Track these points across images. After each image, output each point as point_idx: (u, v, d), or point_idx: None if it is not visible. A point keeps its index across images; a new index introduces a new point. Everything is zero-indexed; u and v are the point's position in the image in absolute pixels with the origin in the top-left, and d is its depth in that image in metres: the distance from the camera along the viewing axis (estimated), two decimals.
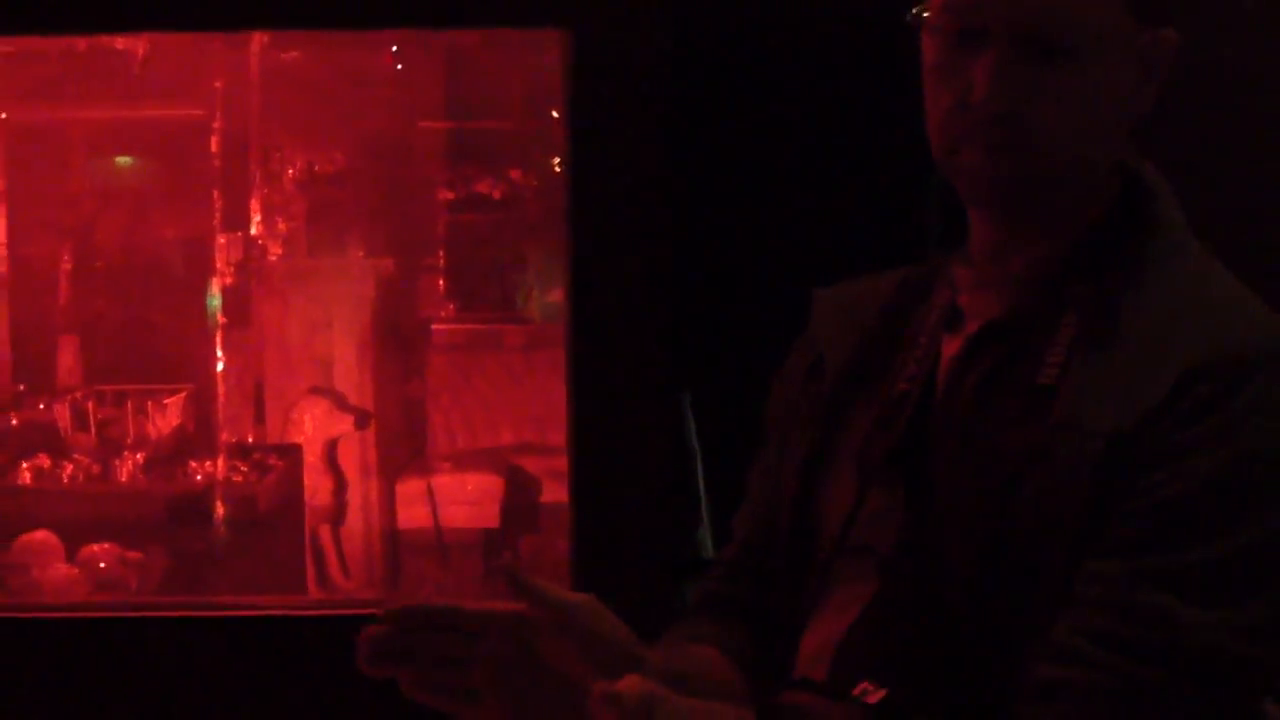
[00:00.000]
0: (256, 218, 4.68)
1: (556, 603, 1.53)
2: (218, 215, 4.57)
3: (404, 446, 4.83)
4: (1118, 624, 1.50)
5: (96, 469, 4.55)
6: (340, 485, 4.64)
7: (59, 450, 4.58)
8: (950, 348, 1.73)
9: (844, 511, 1.75)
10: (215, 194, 4.56)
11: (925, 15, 1.69)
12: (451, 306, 4.83)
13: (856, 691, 1.63)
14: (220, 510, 4.43)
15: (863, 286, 1.90)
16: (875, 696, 1.61)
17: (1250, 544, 1.52)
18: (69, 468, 4.54)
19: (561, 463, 4.11)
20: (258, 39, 4.44)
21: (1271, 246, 3.27)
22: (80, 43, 4.31)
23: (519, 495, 4.67)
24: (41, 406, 4.65)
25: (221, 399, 4.59)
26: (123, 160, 4.86)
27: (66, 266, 4.72)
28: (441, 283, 4.83)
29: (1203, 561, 1.51)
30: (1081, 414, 1.57)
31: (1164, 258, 1.67)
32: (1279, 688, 1.60)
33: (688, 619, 1.91)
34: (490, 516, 4.63)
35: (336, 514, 4.61)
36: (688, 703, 1.49)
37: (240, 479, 4.50)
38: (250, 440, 4.65)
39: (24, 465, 4.53)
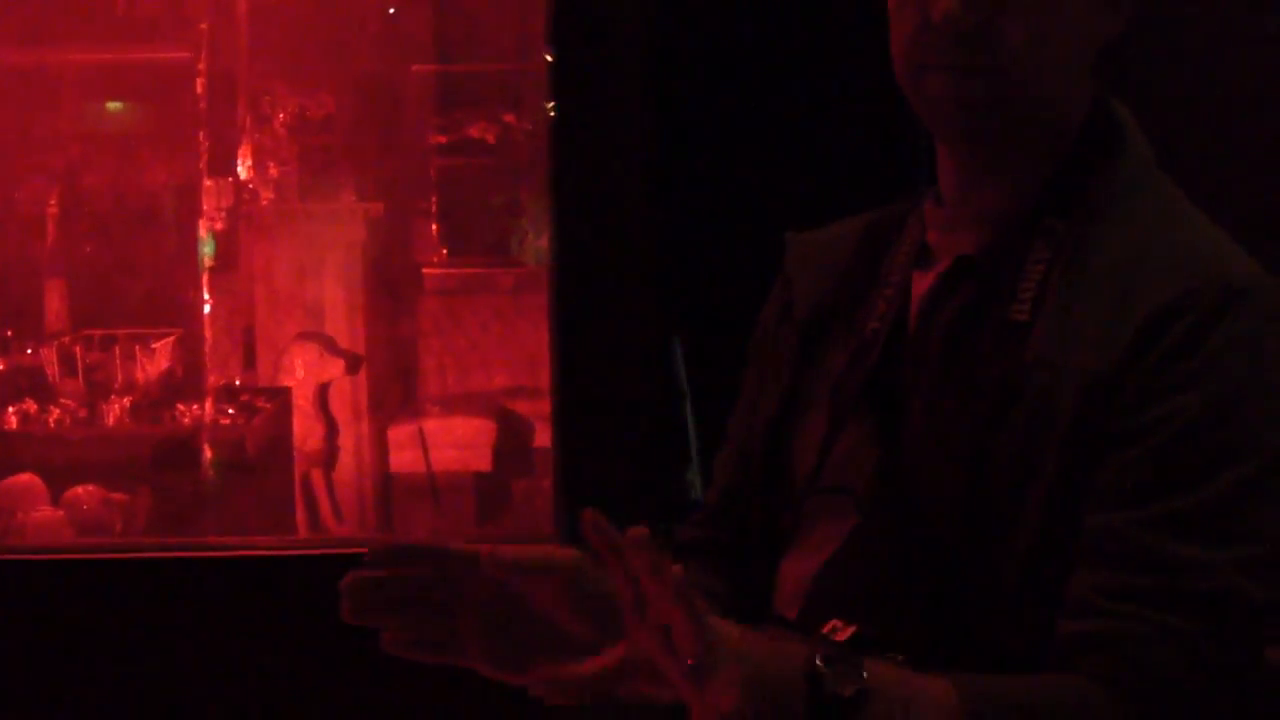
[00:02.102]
0: (246, 161, 4.67)
1: (544, 561, 1.52)
2: (205, 159, 4.56)
3: (395, 390, 4.84)
4: (1129, 575, 1.49)
5: (84, 413, 4.55)
6: (332, 429, 4.64)
7: (46, 395, 4.58)
8: (921, 285, 1.71)
9: (816, 451, 1.74)
10: (202, 137, 4.54)
11: None
12: (443, 250, 4.83)
13: (826, 629, 1.61)
14: (208, 453, 4.43)
15: (834, 230, 1.89)
16: (844, 634, 1.59)
17: (1242, 479, 1.50)
18: (56, 412, 4.54)
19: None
20: None
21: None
22: None
23: (511, 438, 4.68)
24: (29, 351, 4.65)
25: (210, 343, 4.58)
26: (110, 104, 4.85)
27: (53, 210, 4.72)
28: (433, 227, 4.82)
29: (1201, 504, 1.49)
30: (1056, 350, 1.55)
31: (1133, 192, 1.64)
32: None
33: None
34: (482, 460, 4.63)
35: (328, 458, 4.62)
36: None
37: (228, 422, 4.50)
38: (238, 384, 4.65)
39: (10, 410, 4.54)
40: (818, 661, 1.45)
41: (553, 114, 3.59)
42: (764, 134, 3.78)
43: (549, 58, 3.68)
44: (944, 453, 1.59)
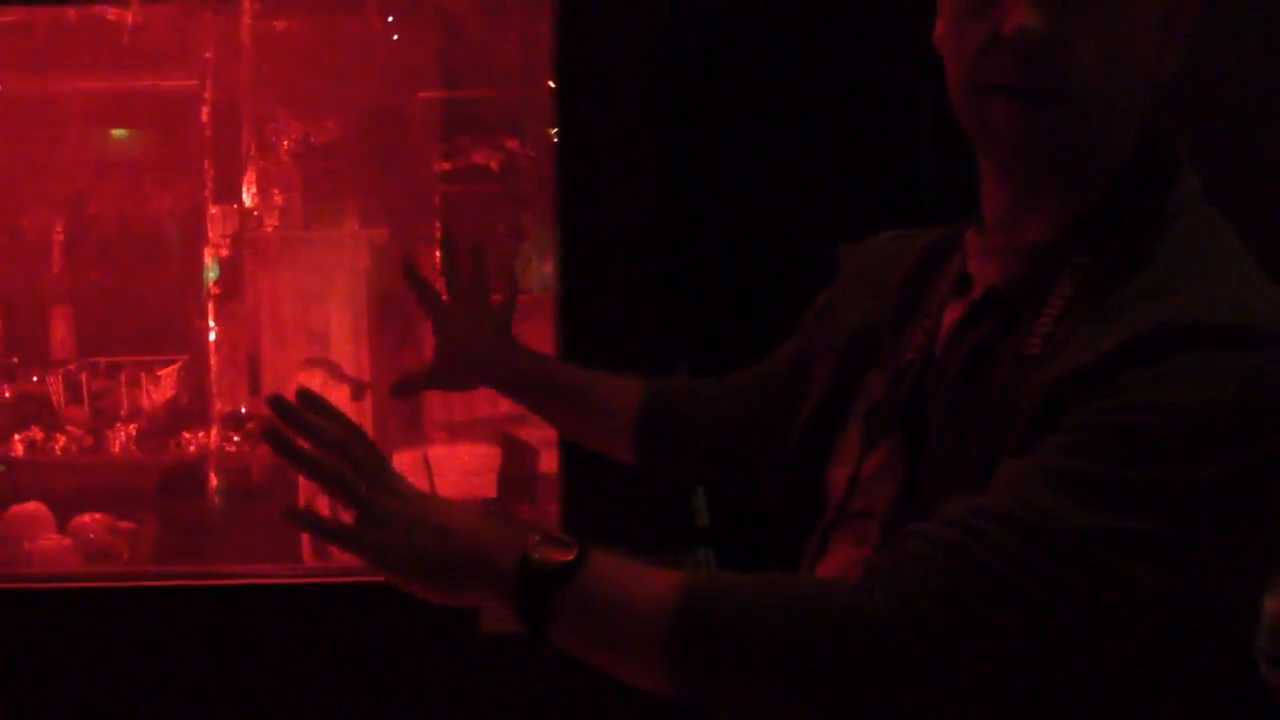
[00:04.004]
0: (251, 189, 4.67)
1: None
2: (210, 186, 4.56)
3: (401, 417, 4.82)
4: (1005, 503, 1.47)
5: (90, 440, 4.55)
6: None
7: (52, 422, 4.58)
8: (953, 314, 1.72)
9: (849, 476, 1.74)
10: (207, 165, 4.54)
11: None
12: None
13: None
14: (214, 481, 4.43)
15: (889, 248, 1.89)
16: None
17: (1162, 482, 1.46)
18: (62, 439, 4.54)
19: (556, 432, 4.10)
20: (248, 7, 4.43)
21: None
22: (71, 13, 4.29)
23: (516, 465, 4.66)
24: (35, 378, 4.65)
25: (215, 370, 4.58)
26: (115, 132, 4.85)
27: (59, 238, 4.72)
28: (437, 253, 4.81)
29: (1116, 480, 1.46)
30: (1059, 385, 1.53)
31: (1166, 232, 1.62)
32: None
33: None
34: (488, 486, 4.62)
35: None
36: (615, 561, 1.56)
37: (233, 449, 4.49)
38: (244, 411, 4.65)
39: (17, 437, 4.54)
40: (531, 538, 1.55)
41: (556, 140, 3.59)
42: (770, 160, 3.79)
43: (552, 84, 3.69)
44: (954, 482, 1.58)
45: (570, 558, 1.53)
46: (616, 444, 2.34)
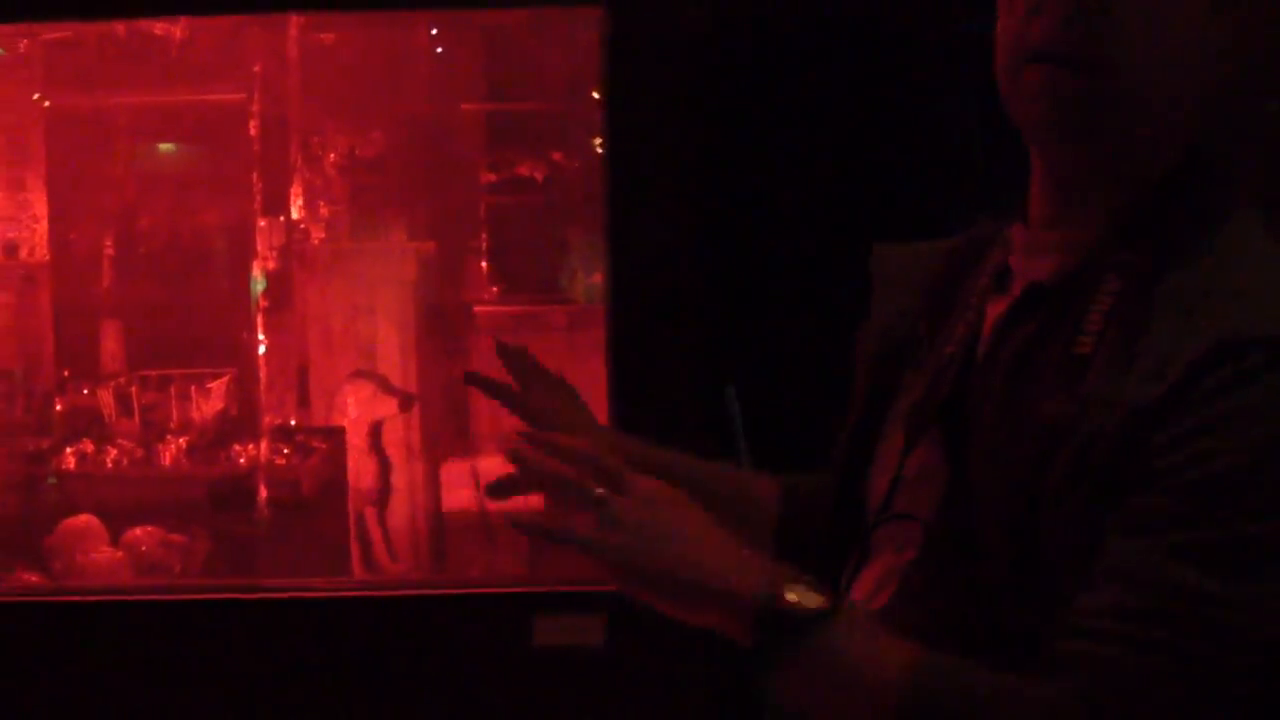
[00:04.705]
0: (298, 201, 4.68)
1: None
2: (258, 199, 4.57)
3: (448, 428, 4.82)
4: (1139, 598, 1.45)
5: (140, 453, 4.56)
6: (385, 468, 4.64)
7: (103, 435, 4.59)
8: (996, 310, 1.70)
9: (890, 477, 1.73)
10: (255, 177, 4.55)
11: None
12: (494, 289, 4.82)
13: None
14: (264, 493, 4.44)
15: (921, 249, 1.87)
16: None
17: (1269, 532, 1.45)
18: (113, 452, 4.55)
19: None
20: (295, 21, 4.44)
21: None
22: (119, 28, 4.31)
23: None
24: (85, 392, 4.66)
25: (264, 383, 4.58)
26: (164, 145, 4.87)
27: (109, 252, 4.74)
28: (484, 265, 4.82)
29: (1232, 539, 1.45)
30: (1111, 388, 1.52)
31: (1213, 228, 1.60)
32: None
33: None
34: (534, 497, 4.61)
35: (381, 497, 4.61)
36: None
37: (283, 462, 4.50)
38: (293, 423, 4.65)
39: (68, 450, 4.55)
40: (782, 573, 1.50)
41: (602, 151, 3.59)
42: (815, 169, 3.78)
43: (597, 96, 3.69)
44: (999, 486, 1.57)
45: (818, 607, 1.50)
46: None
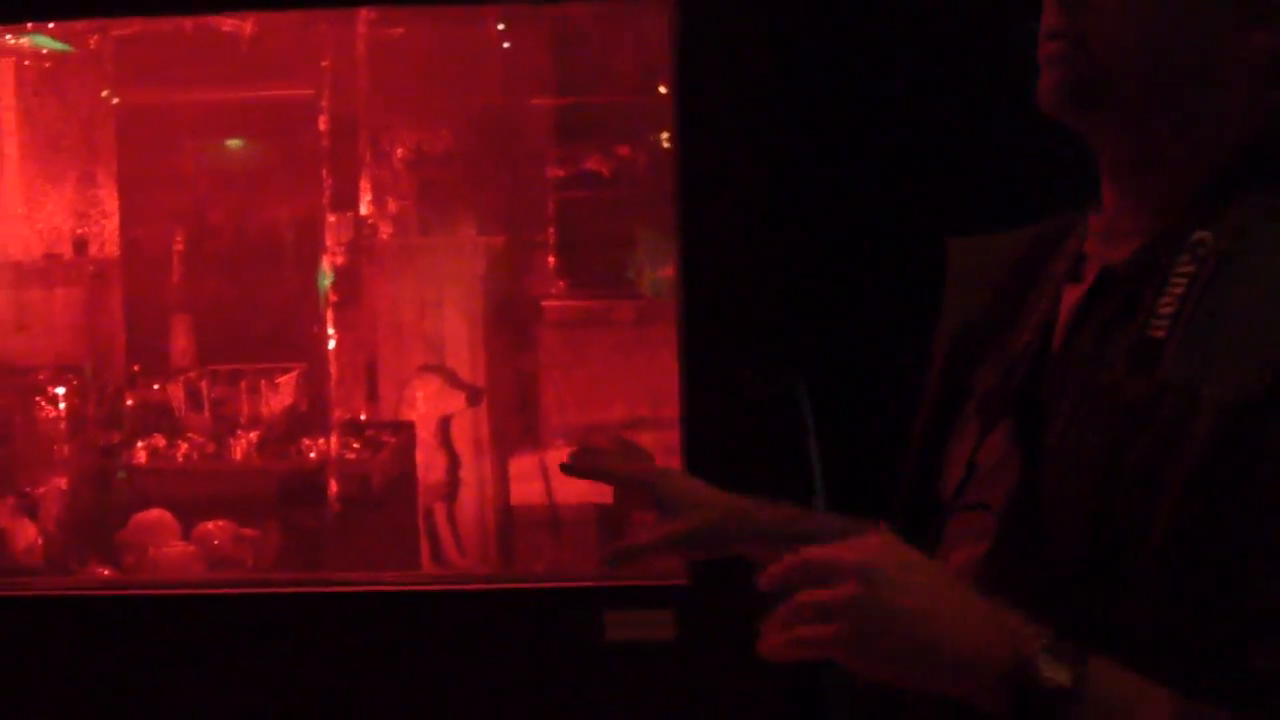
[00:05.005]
0: (366, 197, 4.69)
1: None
2: (328, 194, 4.58)
3: (517, 423, 4.83)
4: None
5: (211, 448, 4.59)
6: (454, 462, 4.65)
7: (174, 430, 4.62)
8: (1071, 296, 1.68)
9: (964, 465, 1.72)
10: (325, 173, 4.57)
11: None
12: (562, 283, 4.82)
13: None
14: (334, 488, 4.45)
15: (998, 240, 1.86)
16: None
17: None
18: (184, 447, 4.58)
19: (675, 437, 4.09)
20: (364, 16, 4.45)
21: None
22: (188, 24, 4.32)
23: None
24: (156, 387, 4.69)
25: (334, 377, 4.60)
26: (233, 141, 4.89)
27: (179, 247, 4.76)
28: (551, 259, 4.82)
29: None
30: (1189, 374, 1.49)
31: None
32: None
33: None
34: (604, 492, 4.60)
35: (450, 491, 4.62)
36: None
37: (353, 456, 4.51)
38: (363, 418, 4.67)
39: (139, 445, 4.58)
40: (1033, 640, 1.42)
41: (673, 144, 3.58)
42: (887, 162, 3.76)
43: (664, 90, 3.68)
44: (1075, 474, 1.54)
45: (1073, 676, 1.43)
46: None
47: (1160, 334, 1.53)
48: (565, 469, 2.27)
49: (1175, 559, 1.47)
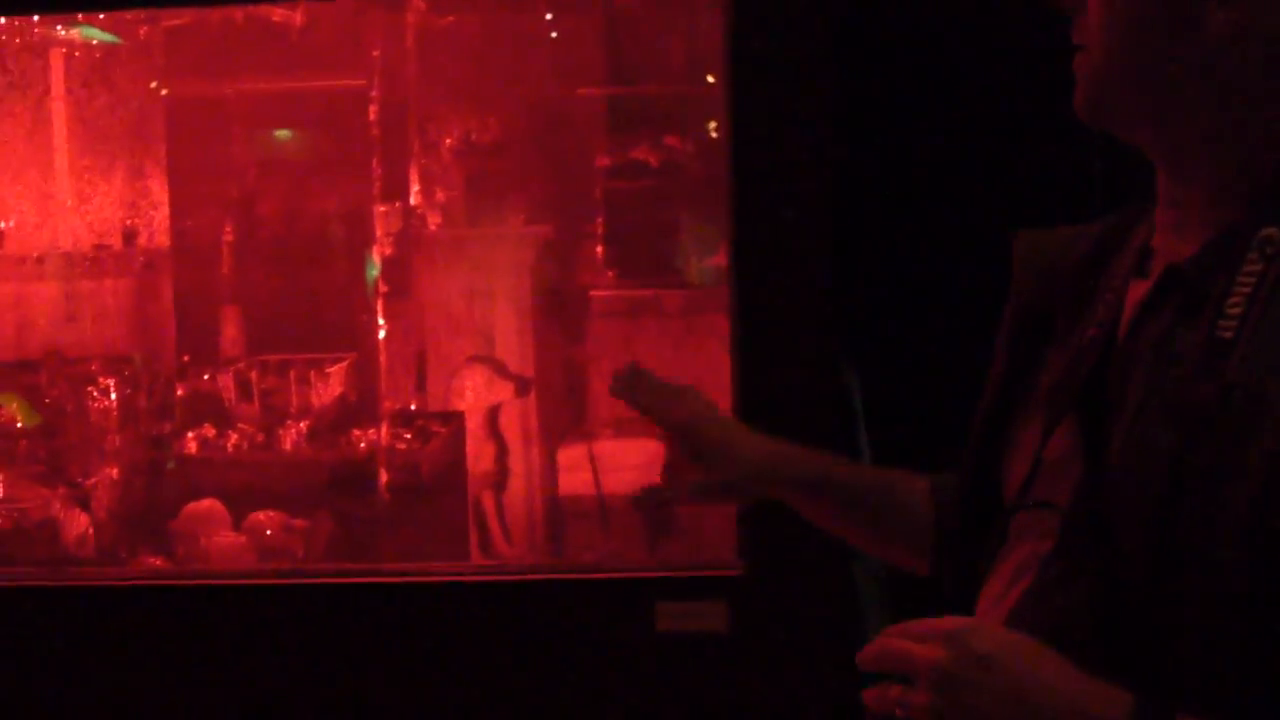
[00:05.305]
0: (415, 187, 4.69)
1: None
2: (378, 184, 4.58)
3: (565, 413, 4.83)
4: None
5: (261, 438, 4.59)
6: (502, 452, 4.64)
7: (224, 420, 4.63)
8: (1138, 292, 1.66)
9: (1029, 461, 1.70)
10: (375, 163, 4.56)
11: None
12: (610, 273, 4.82)
13: None
14: (384, 477, 4.45)
15: (1065, 233, 1.84)
16: None
17: None
18: (234, 437, 4.59)
19: None
20: (414, 4, 4.44)
21: None
22: (238, 14, 4.33)
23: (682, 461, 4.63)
24: (206, 377, 4.70)
25: (384, 367, 4.60)
26: (282, 132, 4.89)
27: (229, 238, 4.77)
28: (600, 249, 4.81)
29: None
30: (1260, 376, 1.47)
31: None
32: None
33: None
34: (653, 479, 4.60)
35: (499, 481, 4.62)
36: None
37: (404, 446, 4.51)
38: (413, 408, 4.67)
39: (190, 435, 4.59)
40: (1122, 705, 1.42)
41: (728, 134, 3.56)
42: (942, 152, 3.74)
43: (711, 79, 3.67)
44: (1141, 474, 1.52)
45: None
46: (914, 556, 2.12)
47: (1229, 334, 1.51)
48: (612, 390, 2.30)
49: (1242, 564, 1.44)
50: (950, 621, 1.49)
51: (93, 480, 4.40)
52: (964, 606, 1.72)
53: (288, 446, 4.56)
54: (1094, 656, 1.49)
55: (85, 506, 4.33)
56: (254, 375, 4.66)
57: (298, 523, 4.32)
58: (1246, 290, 1.52)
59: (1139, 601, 1.50)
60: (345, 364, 4.69)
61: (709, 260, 4.53)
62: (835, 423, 3.66)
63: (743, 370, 3.57)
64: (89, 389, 4.47)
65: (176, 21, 4.45)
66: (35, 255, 4.63)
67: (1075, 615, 1.55)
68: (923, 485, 2.08)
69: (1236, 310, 1.52)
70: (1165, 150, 1.64)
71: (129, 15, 4.43)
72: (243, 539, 4.27)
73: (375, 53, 4.54)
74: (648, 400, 2.21)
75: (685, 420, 2.19)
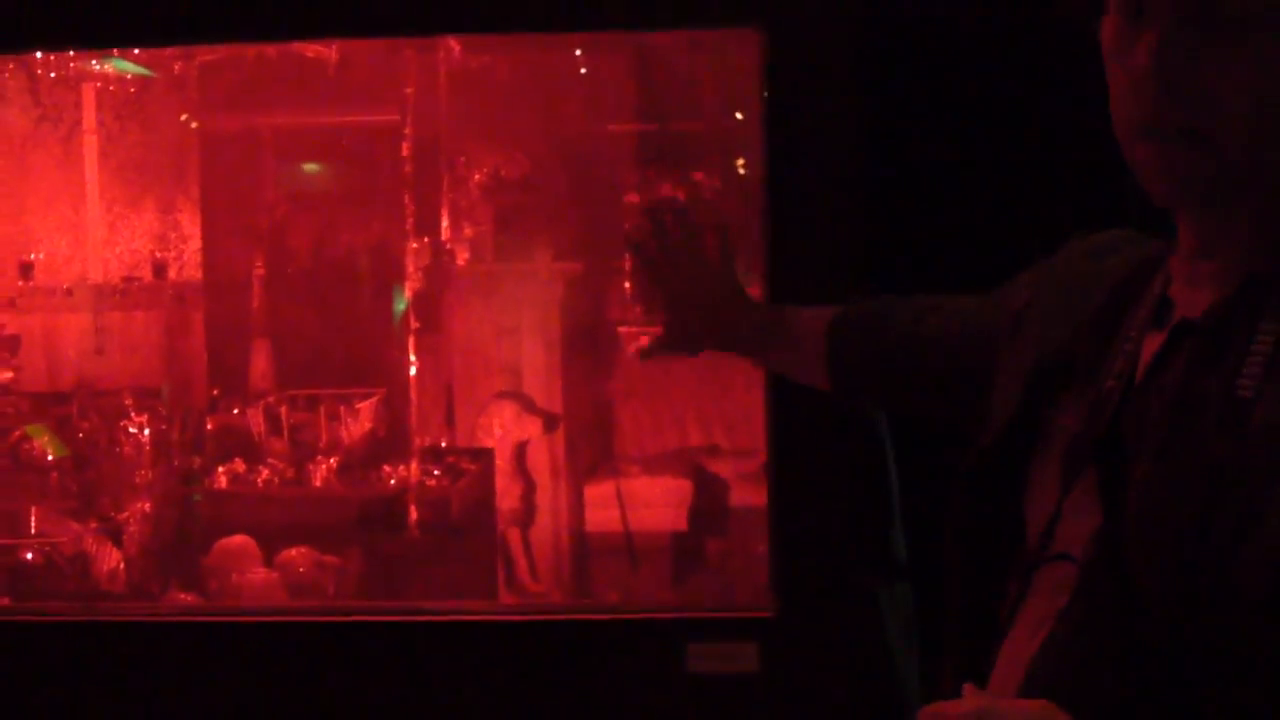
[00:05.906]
0: (444, 223, 4.69)
1: None
2: (409, 220, 4.58)
3: (592, 449, 4.82)
4: None
5: (290, 473, 4.59)
6: (529, 488, 4.64)
7: (254, 455, 4.62)
8: (1153, 344, 1.66)
9: (1047, 510, 1.69)
10: (406, 199, 4.57)
11: None
12: (638, 309, 4.81)
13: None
14: (414, 514, 4.44)
15: (1090, 269, 1.83)
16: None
17: None
18: (264, 472, 4.58)
19: (751, 465, 4.07)
20: (448, 44, 4.45)
21: None
22: (272, 50, 4.33)
23: (707, 498, 4.64)
24: (236, 411, 4.70)
25: (414, 403, 4.60)
26: (314, 166, 4.90)
27: (259, 272, 4.78)
28: (628, 286, 4.81)
29: None
30: (1279, 433, 1.47)
31: None
32: None
33: None
34: (679, 519, 4.60)
35: (526, 517, 4.61)
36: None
37: (434, 483, 4.50)
38: (442, 444, 4.66)
39: (220, 470, 4.58)
40: None
41: (763, 170, 3.57)
42: (980, 190, 3.74)
43: (739, 116, 3.67)
44: (1161, 529, 1.51)
45: None
46: (814, 368, 2.55)
47: (1248, 394, 1.51)
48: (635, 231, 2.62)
49: (1264, 620, 1.44)
50: (972, 702, 1.47)
51: (124, 514, 4.40)
52: (984, 650, 1.72)
53: (318, 482, 4.56)
54: (1115, 710, 1.50)
55: (117, 541, 4.33)
56: (284, 410, 4.66)
57: (329, 559, 4.31)
58: (1265, 348, 1.53)
59: (1160, 654, 1.49)
60: (375, 399, 4.69)
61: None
62: (867, 455, 3.66)
63: (775, 405, 3.57)
64: (121, 423, 4.47)
65: (211, 56, 4.46)
66: (65, 287, 4.64)
67: (1095, 669, 1.55)
68: (825, 317, 2.57)
69: (1256, 369, 1.52)
70: (1213, 219, 1.63)
71: (164, 50, 4.44)
72: (274, 575, 4.27)
73: (408, 89, 4.55)
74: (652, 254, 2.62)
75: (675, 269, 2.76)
